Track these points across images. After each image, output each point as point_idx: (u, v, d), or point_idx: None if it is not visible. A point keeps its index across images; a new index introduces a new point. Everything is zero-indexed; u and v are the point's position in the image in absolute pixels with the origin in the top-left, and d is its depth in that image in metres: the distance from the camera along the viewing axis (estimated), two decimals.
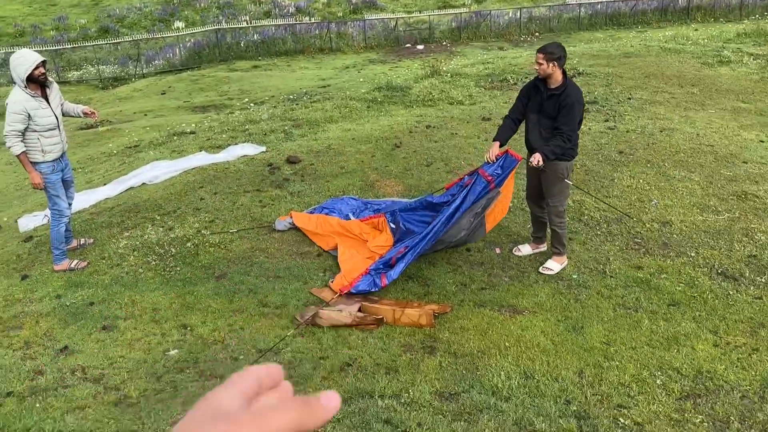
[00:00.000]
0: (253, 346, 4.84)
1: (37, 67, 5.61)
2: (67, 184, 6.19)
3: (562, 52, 5.11)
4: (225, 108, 16.29)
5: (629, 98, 9.92)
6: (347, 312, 5.04)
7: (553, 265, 5.52)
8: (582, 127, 8.28)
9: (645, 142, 7.83)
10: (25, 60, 5.60)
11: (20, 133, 5.66)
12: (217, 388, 0.53)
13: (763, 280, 5.06)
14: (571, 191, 5.82)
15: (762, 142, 7.91)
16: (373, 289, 5.32)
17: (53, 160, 5.89)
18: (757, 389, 3.87)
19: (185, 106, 17.59)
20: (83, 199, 7.90)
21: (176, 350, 4.85)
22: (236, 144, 9.28)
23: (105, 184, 8.67)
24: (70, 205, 6.28)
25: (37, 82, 5.70)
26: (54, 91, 5.90)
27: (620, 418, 3.69)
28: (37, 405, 4.12)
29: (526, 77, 11.77)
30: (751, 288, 4.98)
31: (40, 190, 6.01)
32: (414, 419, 3.69)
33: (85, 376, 4.55)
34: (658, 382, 4.03)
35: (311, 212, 6.71)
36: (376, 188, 7.34)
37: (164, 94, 19.55)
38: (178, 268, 6.01)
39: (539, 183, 5.48)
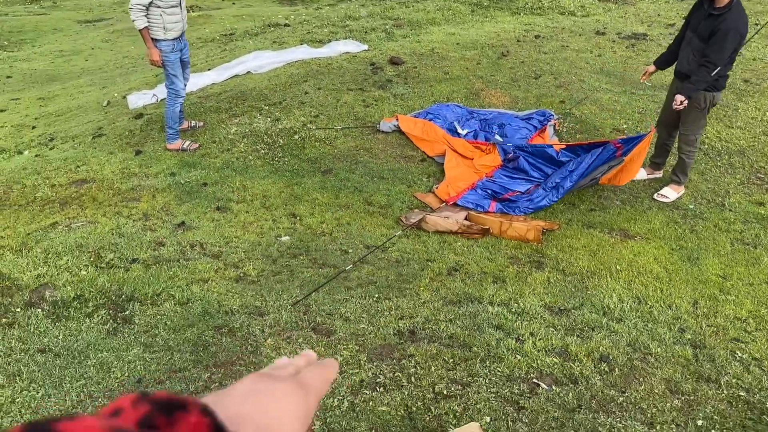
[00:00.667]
0: (361, 241, 4.96)
1: None
2: (184, 64, 6.28)
3: None
4: (312, 2, 16.02)
5: (756, 24, 9.15)
6: (454, 219, 5.06)
7: (670, 193, 5.32)
8: None
9: None
10: None
11: (144, 8, 5.71)
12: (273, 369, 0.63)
13: None
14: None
15: None
16: (478, 209, 5.29)
17: (174, 39, 5.95)
18: None
19: None
20: (191, 83, 8.03)
21: (288, 237, 5.02)
22: (338, 40, 9.15)
23: (209, 69, 8.78)
24: (185, 86, 6.39)
25: None
26: None
27: (737, 352, 3.64)
28: (162, 273, 4.38)
29: None
30: None
31: (158, 67, 6.12)
32: (525, 328, 3.74)
33: (204, 251, 4.79)
34: None
35: (416, 116, 6.63)
36: (481, 97, 7.16)
37: None
38: (286, 159, 6.12)
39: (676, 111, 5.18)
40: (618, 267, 4.52)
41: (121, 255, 4.61)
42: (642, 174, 5.66)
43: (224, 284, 4.23)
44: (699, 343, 3.73)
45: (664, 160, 5.55)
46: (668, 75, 7.31)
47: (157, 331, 3.62)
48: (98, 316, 3.75)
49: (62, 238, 4.82)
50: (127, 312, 3.82)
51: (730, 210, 5.13)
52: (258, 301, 3.99)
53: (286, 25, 12.04)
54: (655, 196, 5.34)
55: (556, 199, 5.20)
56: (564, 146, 5.59)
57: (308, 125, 6.66)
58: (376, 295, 4.07)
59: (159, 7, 5.74)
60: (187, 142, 6.40)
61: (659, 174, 5.61)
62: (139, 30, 5.84)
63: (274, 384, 0.55)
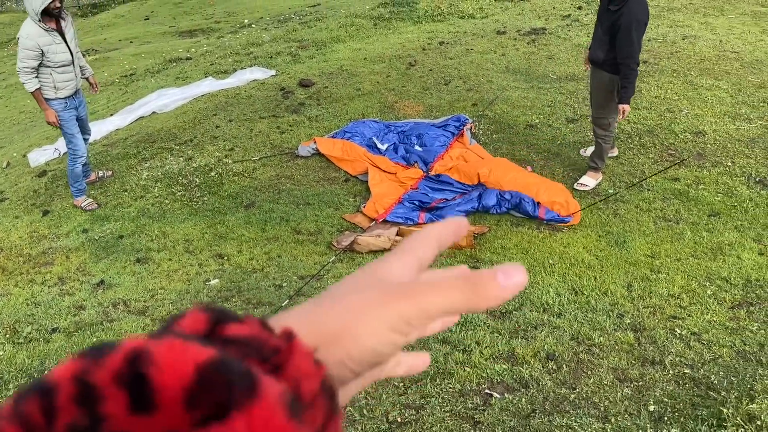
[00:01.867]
0: (294, 273, 4.82)
1: (53, 0, 5.28)
2: (82, 121, 5.97)
3: None
4: (213, 32, 15.71)
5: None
6: (385, 236, 4.99)
7: (588, 181, 5.44)
8: None
9: (668, 51, 7.61)
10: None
11: (34, 70, 5.39)
12: (393, 255, 0.44)
13: None
14: None
15: None
16: (408, 222, 5.25)
17: (66, 97, 5.65)
18: None
19: (171, 31, 16.99)
20: (93, 131, 7.67)
21: (216, 279, 4.82)
22: (243, 68, 8.97)
23: (112, 115, 8.43)
24: (86, 140, 6.08)
25: (51, 15, 5.36)
26: (69, 24, 5.58)
27: (676, 329, 3.71)
28: (86, 340, 4.11)
29: None
30: None
31: (56, 128, 5.81)
32: (470, 338, 3.70)
33: (128, 309, 4.53)
34: (708, 292, 4.04)
35: (333, 137, 6.55)
36: (396, 110, 7.16)
37: (148, 19, 18.83)
38: (205, 198, 5.91)
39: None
40: (551, 261, 4.56)
41: (39, 326, 4.31)
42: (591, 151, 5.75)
43: None
44: (639, 326, 3.79)
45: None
46: (575, 66, 7.54)
47: None
48: None
49: None
50: None
51: (648, 189, 5.28)
52: None
53: (188, 58, 11.74)
54: (575, 185, 5.45)
55: (480, 208, 5.22)
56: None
57: (224, 160, 6.46)
58: None
59: (49, 66, 5.43)
60: (86, 201, 6.05)
61: (614, 152, 5.74)
62: (31, 92, 5.52)
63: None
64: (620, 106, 4.99)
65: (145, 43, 16.49)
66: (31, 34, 5.26)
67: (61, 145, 7.64)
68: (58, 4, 5.33)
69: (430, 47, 8.78)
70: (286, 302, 4.30)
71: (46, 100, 5.57)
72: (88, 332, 4.19)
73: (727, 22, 8.53)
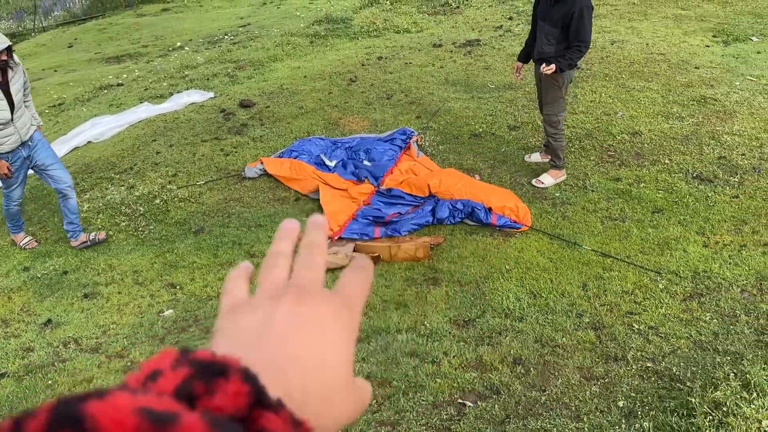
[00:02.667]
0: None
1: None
2: (41, 168, 5.41)
3: None
4: (142, 57, 15.34)
5: None
6: (342, 254, 4.96)
7: (546, 179, 5.60)
8: None
9: (599, 56, 7.90)
10: None
11: None
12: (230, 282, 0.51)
13: (736, 179, 5.28)
14: (538, 110, 5.84)
15: (708, 46, 8.12)
16: (364, 238, 5.24)
17: (8, 152, 5.11)
18: (753, 283, 4.08)
19: (97, 57, 16.52)
20: None
21: (171, 310, 4.68)
22: (180, 92, 8.80)
23: None
24: (62, 190, 5.48)
25: None
26: (18, 73, 5.04)
27: (633, 324, 3.83)
28: (38, 383, 3.92)
29: (467, 0, 11.59)
30: (727, 188, 5.19)
31: (8, 178, 5.25)
32: (438, 349, 3.71)
33: (80, 347, 4.34)
34: (660, 286, 4.19)
35: (280, 156, 6.49)
36: (341, 126, 7.16)
37: (71, 46, 18.24)
38: (151, 227, 5.74)
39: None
40: (507, 267, 4.63)
41: None
42: (536, 157, 5.97)
43: (112, 379, 3.84)
44: (598, 324, 3.88)
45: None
46: (512, 75, 7.72)
47: None
48: None
49: None
50: None
51: (593, 191, 5.44)
52: None
53: (119, 84, 11.42)
54: (533, 182, 5.60)
55: (435, 222, 5.26)
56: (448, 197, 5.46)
57: (167, 186, 6.30)
58: None
59: None
60: (26, 239, 5.76)
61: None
62: None
63: (318, 308, 0.44)
64: (551, 65, 5.04)
65: (70, 71, 15.95)
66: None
67: None
68: (4, 58, 4.85)
69: (369, 62, 8.84)
70: None
71: None
72: (40, 375, 3.99)
73: (651, 26, 8.93)
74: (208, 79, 9.38)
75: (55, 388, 3.81)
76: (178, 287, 4.97)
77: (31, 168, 5.42)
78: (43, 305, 4.92)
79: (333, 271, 4.88)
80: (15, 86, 5.00)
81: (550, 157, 5.73)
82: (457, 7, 11.08)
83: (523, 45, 5.67)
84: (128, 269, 5.24)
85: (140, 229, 5.72)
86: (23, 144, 5.20)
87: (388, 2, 11.78)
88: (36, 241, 5.79)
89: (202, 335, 4.29)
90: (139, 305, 4.79)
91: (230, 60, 10.27)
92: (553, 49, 5.10)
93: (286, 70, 9.09)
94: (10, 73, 4.95)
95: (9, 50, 4.87)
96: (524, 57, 5.63)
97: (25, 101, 5.21)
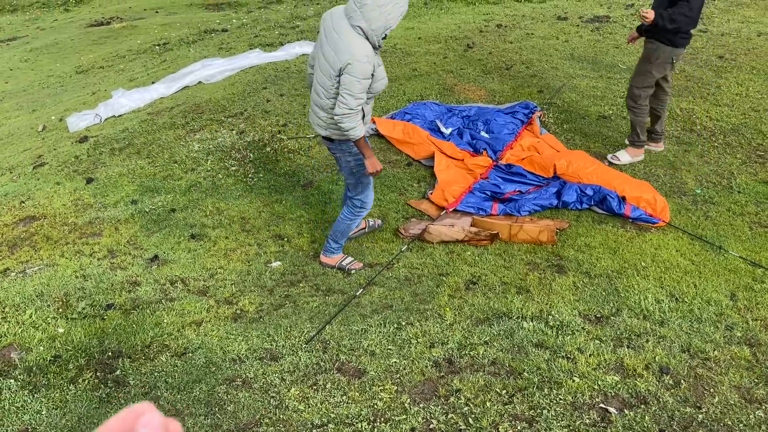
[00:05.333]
0: (361, 259, 4.51)
1: None
2: None
3: None
4: (241, 6, 15.33)
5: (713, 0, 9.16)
6: (459, 227, 4.67)
7: (623, 157, 5.41)
8: None
9: (744, 47, 7.21)
10: (405, 3, 3.53)
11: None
12: None
13: None
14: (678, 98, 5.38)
15: None
16: (480, 213, 4.92)
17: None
18: None
19: (198, 3, 16.66)
20: (136, 98, 7.40)
21: (278, 262, 4.53)
22: (291, 42, 8.62)
23: (154, 83, 8.13)
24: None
25: None
26: None
27: None
28: (147, 319, 3.82)
29: None
30: None
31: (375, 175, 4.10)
32: (571, 344, 3.39)
33: (187, 288, 4.24)
34: None
35: (393, 117, 6.21)
36: (456, 93, 6.80)
37: None
38: (260, 175, 5.60)
39: None
40: (643, 264, 4.23)
41: (93, 302, 4.01)
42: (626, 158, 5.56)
43: (222, 326, 3.71)
44: (753, 340, 3.46)
45: (655, 128, 5.43)
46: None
47: (159, 392, 3.08)
48: (84, 380, 3.18)
49: (18, 287, 4.18)
50: (118, 372, 3.26)
51: (739, 192, 4.93)
52: (266, 342, 3.49)
53: (224, 30, 11.40)
54: (609, 157, 5.42)
55: (560, 205, 4.88)
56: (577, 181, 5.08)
57: (277, 135, 6.14)
58: (397, 322, 3.63)
59: (369, 96, 3.84)
60: (348, 259, 4.50)
61: (660, 147, 5.45)
62: (356, 140, 3.80)
63: None
64: (651, 11, 4.75)
65: (171, 14, 16.14)
66: (369, 54, 3.52)
67: (101, 110, 7.34)
68: None
69: (487, 30, 8.40)
70: (360, 291, 4.00)
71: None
72: (148, 311, 3.90)
73: None
74: (318, 32, 9.16)
75: (164, 327, 3.71)
76: (285, 239, 4.81)
77: None
78: (150, 240, 4.86)
79: (446, 244, 4.62)
80: None
81: (655, 145, 5.46)
82: None
83: None
84: (236, 215, 5.12)
85: (249, 175, 5.58)
86: None
87: None
88: (361, 263, 4.52)
89: (312, 292, 4.10)
90: (246, 252, 4.66)
91: None
92: (659, 19, 4.76)
93: (399, 30, 8.76)
94: None
95: None
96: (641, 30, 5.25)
97: None
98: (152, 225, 5.06)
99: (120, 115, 7.22)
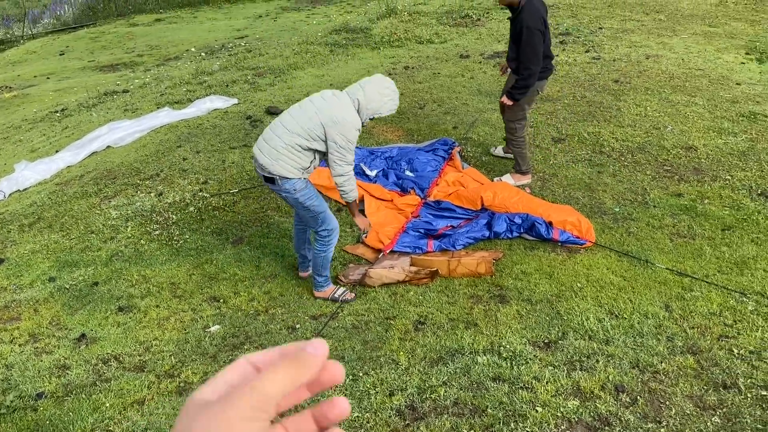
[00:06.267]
0: (305, 312, 4.41)
1: None
2: None
3: None
4: (137, 66, 15.01)
5: (600, 28, 9.79)
6: (399, 268, 4.66)
7: (507, 179, 5.72)
8: (566, 58, 8.11)
9: (636, 70, 7.73)
10: (396, 98, 4.07)
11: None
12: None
13: None
14: (583, 123, 5.72)
15: (743, 63, 7.98)
16: (417, 251, 4.94)
17: None
18: None
19: (91, 66, 16.16)
20: (42, 169, 7.02)
21: (217, 326, 4.35)
22: (201, 98, 8.48)
23: (57, 151, 7.74)
24: None
25: None
26: None
27: (733, 349, 3.56)
28: (83, 405, 3.55)
29: (488, 12, 11.43)
30: None
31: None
32: (527, 373, 3.42)
33: (122, 365, 3.99)
34: (749, 308, 3.93)
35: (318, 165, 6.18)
36: (375, 135, 6.88)
37: (63, 54, 17.85)
38: (187, 236, 5.40)
39: None
40: (578, 285, 4.36)
41: (21, 392, 3.71)
42: (500, 151, 6.19)
43: (167, 402, 3.50)
44: (694, 348, 3.61)
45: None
46: (547, 87, 7.51)
47: None
48: None
49: None
50: None
51: (654, 206, 5.20)
52: None
53: (125, 91, 11.08)
54: (495, 179, 5.76)
55: (491, 236, 4.98)
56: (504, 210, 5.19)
57: (199, 194, 5.97)
58: (352, 373, 3.55)
59: None
60: (340, 290, 4.54)
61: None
62: (350, 203, 4.36)
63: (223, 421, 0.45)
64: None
65: (64, 79, 15.56)
66: (358, 125, 3.95)
67: (4, 185, 6.91)
68: None
69: (396, 72, 8.60)
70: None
71: None
72: (83, 395, 3.63)
73: (682, 42, 8.79)
74: (227, 85, 9.08)
75: (103, 411, 3.46)
76: (221, 301, 4.63)
77: None
78: (74, 318, 4.56)
79: (388, 286, 4.59)
80: None
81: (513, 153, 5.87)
82: (478, 19, 10.90)
83: None
84: (164, 281, 4.89)
85: (174, 238, 5.38)
86: None
87: (405, 13, 11.58)
88: (352, 294, 4.55)
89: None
90: (181, 320, 4.45)
91: (247, 67, 9.98)
92: (514, 65, 5.32)
93: (310, 78, 8.81)
94: None
95: None
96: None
97: None
98: (75, 302, 4.75)
99: (25, 189, 6.82)
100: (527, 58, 5.10)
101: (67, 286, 4.92)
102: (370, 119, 4.01)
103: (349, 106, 3.90)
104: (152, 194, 6.04)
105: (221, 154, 6.73)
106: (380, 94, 3.92)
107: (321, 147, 3.96)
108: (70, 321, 4.56)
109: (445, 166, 5.99)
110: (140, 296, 4.75)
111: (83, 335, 4.36)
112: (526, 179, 5.72)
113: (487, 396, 3.23)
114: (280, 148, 3.96)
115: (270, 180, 4.07)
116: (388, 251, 4.92)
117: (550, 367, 3.49)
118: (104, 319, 4.53)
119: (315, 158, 4.05)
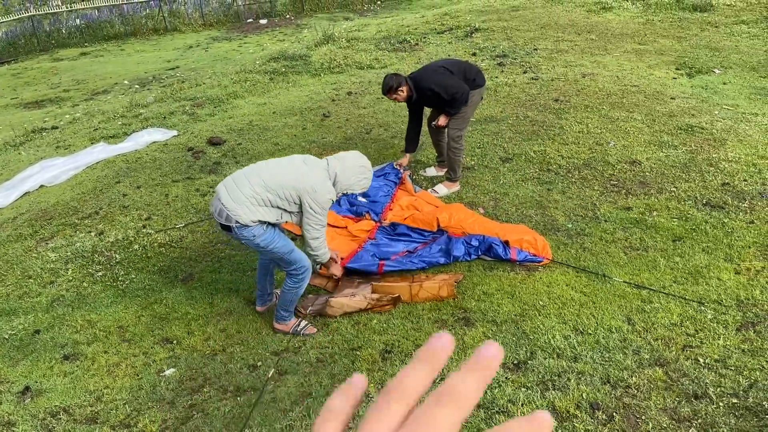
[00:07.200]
0: (265, 349, 4.23)
1: None
2: None
3: (395, 79, 5.57)
4: (63, 101, 14.47)
5: (535, 49, 10.05)
6: (360, 295, 4.55)
7: (441, 189, 5.93)
8: (506, 79, 8.27)
9: (574, 89, 7.94)
10: (370, 177, 4.18)
11: None
12: None
13: (746, 205, 5.26)
14: (529, 142, 5.83)
15: (675, 78, 8.33)
16: (372, 269, 4.85)
17: None
18: None
19: (14, 103, 15.46)
20: None
21: (172, 369, 4.12)
22: (138, 131, 8.20)
23: None
24: None
25: None
26: None
27: (698, 358, 3.61)
28: None
29: (425, 37, 11.58)
30: (740, 214, 5.15)
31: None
32: (501, 397, 3.36)
33: (73, 418, 3.72)
34: (708, 317, 4.01)
35: None
36: None
37: None
38: (132, 276, 5.14)
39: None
40: (541, 303, 4.36)
41: None
42: (432, 171, 6.38)
43: None
44: (660, 360, 3.64)
45: (444, 156, 6.14)
46: (491, 108, 7.60)
47: None
48: None
49: None
50: None
51: (605, 221, 5.29)
52: None
53: (54, 127, 10.62)
54: (429, 191, 5.95)
55: (450, 261, 4.93)
56: (460, 234, 5.12)
57: (143, 230, 5.71)
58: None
59: None
60: (302, 324, 4.38)
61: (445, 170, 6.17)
62: (324, 262, 4.45)
63: None
64: (440, 119, 5.69)
65: None
66: (332, 195, 3.96)
67: None
68: None
69: (339, 98, 8.56)
70: (271, 385, 3.72)
71: None
72: None
73: (615, 60, 9.11)
74: (165, 117, 8.82)
75: None
76: (174, 342, 4.40)
77: None
78: (16, 371, 4.24)
79: (350, 315, 4.47)
80: None
81: (446, 170, 6.08)
82: (416, 43, 11.02)
83: (407, 137, 6.12)
84: (111, 325, 4.63)
85: (119, 278, 5.11)
86: None
87: (343, 39, 11.60)
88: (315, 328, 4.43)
89: (220, 395, 3.76)
90: (132, 365, 4.19)
91: (185, 98, 9.74)
92: (444, 119, 5.70)
93: (252, 107, 8.66)
94: None
95: None
96: (411, 146, 6.10)
97: None
98: (15, 352, 4.43)
99: None
100: (452, 90, 5.42)
101: (6, 336, 4.59)
102: (340, 194, 4.07)
103: (326, 178, 3.94)
104: (92, 233, 5.74)
105: (164, 188, 6.49)
106: (356, 172, 4.01)
107: (289, 208, 3.93)
108: (11, 373, 4.24)
109: (397, 190, 5.95)
110: (86, 342, 4.47)
111: (27, 388, 4.06)
112: (456, 187, 5.97)
113: (464, 424, 3.15)
114: (248, 195, 3.85)
115: (226, 228, 3.93)
116: (343, 266, 4.81)
117: (523, 389, 3.45)
118: (49, 369, 4.24)
119: (280, 218, 3.98)
